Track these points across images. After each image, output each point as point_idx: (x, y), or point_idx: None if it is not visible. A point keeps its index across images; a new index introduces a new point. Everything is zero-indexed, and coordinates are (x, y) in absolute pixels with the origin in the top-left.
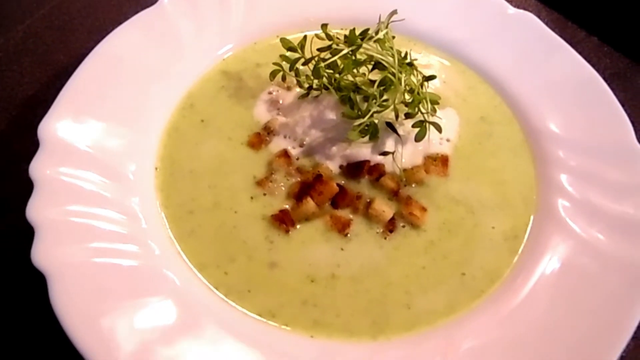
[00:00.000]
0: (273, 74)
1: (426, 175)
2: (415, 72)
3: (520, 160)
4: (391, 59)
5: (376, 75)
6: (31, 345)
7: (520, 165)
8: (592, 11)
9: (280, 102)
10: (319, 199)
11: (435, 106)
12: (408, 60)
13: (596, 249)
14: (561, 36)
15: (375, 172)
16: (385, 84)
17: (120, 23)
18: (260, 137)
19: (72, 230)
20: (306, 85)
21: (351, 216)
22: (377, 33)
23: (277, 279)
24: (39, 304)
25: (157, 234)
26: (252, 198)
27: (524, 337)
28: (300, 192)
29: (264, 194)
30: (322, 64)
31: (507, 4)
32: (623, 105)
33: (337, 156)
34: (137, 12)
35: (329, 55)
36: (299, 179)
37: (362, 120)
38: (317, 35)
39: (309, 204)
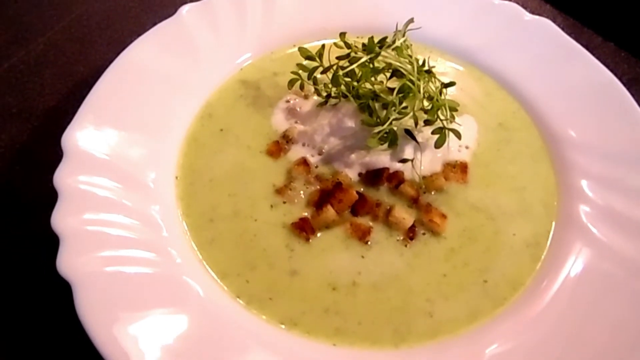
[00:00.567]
0: (291, 83)
1: (445, 183)
2: (433, 79)
3: (540, 167)
4: (409, 66)
5: (394, 83)
6: (55, 352)
7: (540, 172)
8: (608, 17)
9: (298, 110)
10: (338, 206)
11: (454, 113)
12: (426, 68)
13: (618, 254)
14: (577, 42)
15: (395, 180)
16: (404, 92)
17: (138, 34)
18: (279, 146)
19: (95, 238)
20: (324, 94)
21: (371, 224)
22: (394, 41)
23: (298, 287)
24: (61, 309)
25: (178, 243)
26: (271, 206)
27: (547, 345)
28: (320, 200)
29: (284, 202)
30: (341, 72)
31: (524, 11)
32: None
33: (356, 164)
34: (154, 23)
35: (348, 64)
36: (318, 187)
37: (381, 128)
38: (335, 44)
39: (329, 211)
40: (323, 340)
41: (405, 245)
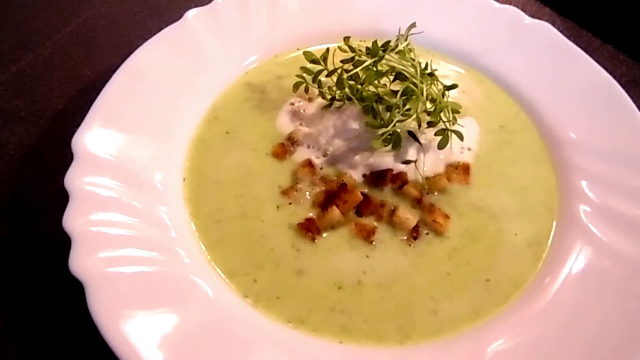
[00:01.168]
0: (296, 86)
1: (448, 183)
2: (436, 82)
3: (540, 167)
4: (412, 69)
5: (397, 86)
6: (67, 351)
7: (541, 172)
8: (606, 19)
9: (303, 112)
10: (343, 207)
11: (456, 115)
12: (429, 71)
13: (618, 253)
14: (576, 45)
15: (398, 181)
16: (407, 94)
17: (144, 38)
18: (284, 148)
19: (107, 239)
20: (329, 96)
21: (375, 224)
22: (397, 45)
23: (304, 286)
24: (72, 309)
25: (187, 243)
26: (278, 207)
27: (549, 342)
28: (325, 201)
29: (290, 203)
30: (345, 75)
31: (524, 14)
32: None
33: (360, 165)
34: (160, 27)
35: (352, 67)
36: (323, 188)
37: (385, 130)
38: (339, 48)
39: (334, 212)
40: (329, 338)
41: (409, 245)
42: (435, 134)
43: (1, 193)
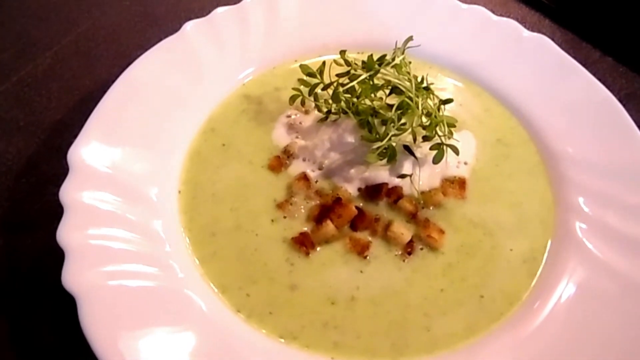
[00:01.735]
0: (293, 99)
1: (444, 198)
2: (432, 96)
3: (537, 182)
4: (408, 83)
5: (393, 100)
6: None
7: (537, 187)
8: (606, 31)
9: (299, 125)
10: (338, 221)
11: (452, 129)
12: (425, 85)
13: (614, 271)
14: (576, 57)
15: (394, 195)
16: (403, 108)
17: (143, 49)
18: (280, 161)
19: (100, 253)
20: (325, 109)
21: (370, 238)
22: (394, 59)
23: (298, 301)
24: (66, 322)
25: (181, 256)
26: (272, 221)
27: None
28: (320, 215)
29: (284, 217)
30: (341, 89)
31: (522, 28)
32: (639, 126)
33: (356, 179)
34: (159, 38)
35: (348, 81)
36: (318, 202)
37: (380, 144)
38: (335, 61)
39: (329, 226)
40: (322, 354)
41: (404, 260)
42: (431, 149)
43: (3, 200)
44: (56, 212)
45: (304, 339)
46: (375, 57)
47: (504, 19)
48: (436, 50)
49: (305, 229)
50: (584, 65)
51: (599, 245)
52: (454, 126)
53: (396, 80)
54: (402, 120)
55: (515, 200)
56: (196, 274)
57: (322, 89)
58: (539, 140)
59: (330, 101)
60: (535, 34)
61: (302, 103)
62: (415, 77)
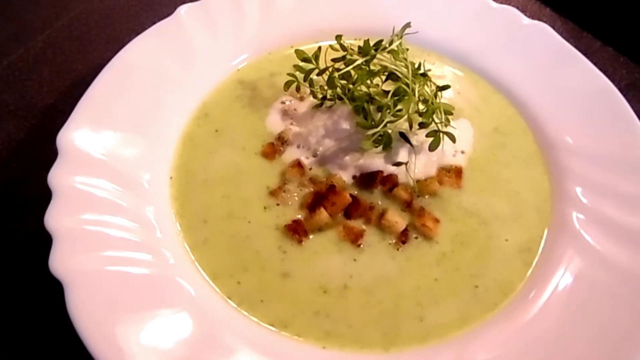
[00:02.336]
0: (287, 85)
1: (439, 187)
2: (429, 82)
3: (534, 172)
4: (405, 69)
5: (390, 86)
6: (46, 350)
7: (534, 177)
8: (607, 21)
9: (294, 111)
10: (332, 209)
11: (449, 117)
12: (422, 71)
13: (611, 261)
14: (576, 46)
15: (389, 183)
16: (399, 94)
17: (137, 33)
18: (274, 147)
19: (89, 238)
20: (320, 96)
21: (364, 227)
22: (390, 44)
23: (289, 289)
24: (53, 307)
25: (172, 243)
26: (265, 208)
27: (537, 350)
28: (314, 203)
29: (277, 204)
30: (336, 74)
31: (522, 15)
32: (639, 116)
33: (351, 166)
34: (153, 22)
35: (343, 66)
36: (312, 189)
37: (375, 130)
38: (331, 46)
39: (322, 214)
40: (313, 343)
41: (398, 249)
42: (427, 136)
43: None
44: (46, 197)
45: (295, 328)
46: (372, 43)
47: (504, 6)
48: (435, 37)
49: (299, 216)
50: (584, 54)
51: (595, 235)
52: (451, 114)
53: (392, 66)
54: (398, 107)
55: (512, 189)
56: (187, 260)
57: (317, 75)
58: (536, 129)
59: (325, 87)
60: (535, 22)
61: (297, 89)
62: (413, 64)
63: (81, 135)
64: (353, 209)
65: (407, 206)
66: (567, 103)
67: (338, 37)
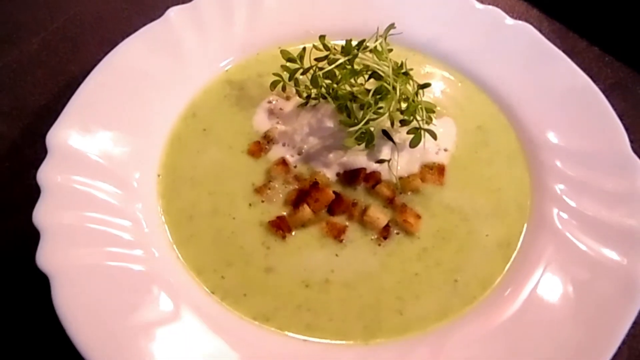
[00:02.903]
0: (274, 84)
1: (422, 184)
2: (410, 81)
3: (515, 169)
4: (387, 68)
5: (373, 85)
6: (33, 345)
7: (516, 174)
8: (593, 21)
9: (280, 110)
10: (315, 205)
11: (433, 116)
12: (404, 70)
13: (589, 257)
14: (562, 46)
15: (372, 180)
16: (382, 93)
17: (129, 35)
18: (260, 146)
19: (76, 234)
20: (305, 95)
21: (347, 223)
22: (374, 44)
23: (272, 284)
24: (41, 304)
25: (158, 239)
26: (250, 205)
27: (516, 344)
28: (297, 199)
29: (262, 201)
30: (320, 73)
31: (505, 15)
32: (623, 115)
33: (334, 164)
34: (146, 24)
35: (327, 65)
36: (296, 187)
37: (357, 127)
38: (314, 46)
39: (305, 210)
40: (294, 336)
41: (379, 245)
42: (408, 132)
43: None
44: (37, 195)
45: (276, 321)
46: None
47: (487, 6)
48: (419, 37)
49: (284, 213)
50: (570, 54)
51: (574, 231)
52: (433, 112)
53: (375, 65)
54: (380, 105)
55: (493, 186)
56: (172, 256)
57: (302, 74)
58: (519, 127)
59: (310, 86)
60: (517, 22)
61: (283, 89)
62: (396, 63)
63: (70, 134)
64: (336, 206)
65: (390, 202)
66: (548, 101)
67: (322, 37)
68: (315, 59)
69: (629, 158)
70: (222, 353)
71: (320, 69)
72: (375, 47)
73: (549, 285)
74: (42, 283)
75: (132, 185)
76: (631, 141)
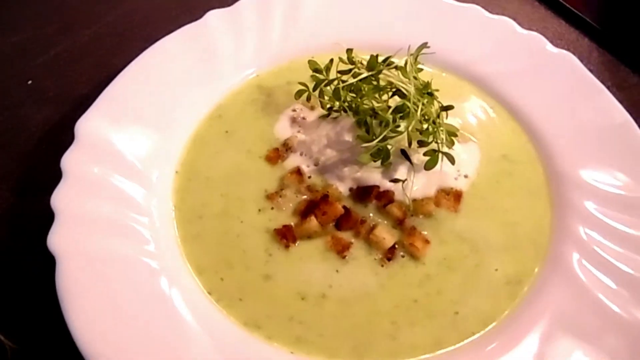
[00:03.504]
0: (299, 94)
1: (435, 208)
2: (435, 102)
3: (537, 204)
4: (411, 87)
5: (397, 103)
6: (38, 327)
7: (537, 209)
8: None
9: (303, 119)
10: (322, 218)
11: (456, 140)
12: (429, 90)
13: (602, 306)
14: (610, 80)
15: (384, 199)
16: (403, 111)
17: None
18: (278, 153)
19: (88, 219)
20: (327, 106)
21: (353, 240)
22: (405, 61)
23: (269, 292)
24: (47, 285)
25: (165, 234)
26: (259, 210)
27: None
28: (306, 210)
29: (272, 208)
30: (342, 86)
31: (547, 42)
32: None
33: (348, 178)
34: None
35: (351, 79)
36: (308, 197)
37: (373, 144)
38: (340, 59)
39: (312, 222)
40: (282, 347)
41: (382, 265)
42: (425, 154)
43: (18, 166)
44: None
45: (267, 330)
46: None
47: (530, 32)
48: (455, 58)
49: (292, 223)
50: (618, 89)
51: (592, 278)
52: (456, 135)
53: (398, 83)
54: (398, 123)
55: (510, 219)
56: (176, 252)
57: (325, 85)
58: (547, 160)
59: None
60: (561, 50)
61: (308, 99)
62: (422, 82)
63: (99, 124)
64: (344, 221)
65: (399, 224)
66: (583, 136)
67: (349, 51)
68: (339, 72)
69: None
70: (205, 354)
71: (343, 81)
72: (401, 64)
73: (554, 330)
74: (48, 263)
75: (150, 180)
76: None
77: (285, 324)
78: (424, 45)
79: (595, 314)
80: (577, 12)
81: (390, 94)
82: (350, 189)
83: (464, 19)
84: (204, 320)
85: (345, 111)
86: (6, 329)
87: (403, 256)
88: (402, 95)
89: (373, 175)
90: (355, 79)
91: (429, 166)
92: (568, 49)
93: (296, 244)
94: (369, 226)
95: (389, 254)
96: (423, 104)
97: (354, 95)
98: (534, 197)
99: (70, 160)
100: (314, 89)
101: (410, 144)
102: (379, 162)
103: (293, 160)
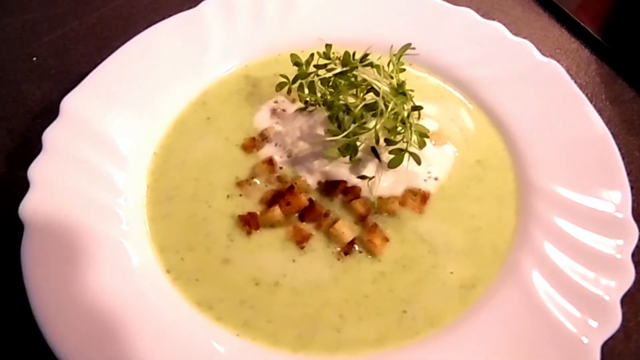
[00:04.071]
0: (280, 86)
1: (400, 208)
2: (409, 102)
3: (503, 212)
4: (384, 85)
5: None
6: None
7: (502, 217)
8: None
9: (283, 111)
10: (286, 209)
11: (431, 142)
12: (402, 90)
13: (553, 320)
14: (605, 93)
15: (350, 194)
16: (375, 109)
17: None
18: (254, 142)
19: (62, 193)
20: (304, 100)
21: (313, 232)
22: (389, 60)
23: (225, 275)
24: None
25: (135, 212)
26: (228, 196)
27: None
28: (272, 200)
29: (240, 195)
30: (317, 79)
31: (535, 49)
32: None
33: (317, 171)
34: None
35: (325, 73)
36: (276, 187)
37: (340, 137)
38: (318, 53)
39: (275, 211)
40: (228, 329)
41: (338, 259)
42: (390, 152)
43: (17, 135)
44: None
45: (217, 311)
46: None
47: (519, 39)
48: (441, 60)
49: (257, 211)
50: (612, 103)
51: (547, 290)
52: (427, 136)
53: (372, 80)
54: (364, 120)
55: (474, 225)
56: (143, 230)
57: (302, 79)
58: (520, 169)
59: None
60: (548, 60)
61: (289, 91)
62: (400, 81)
63: (83, 102)
64: (307, 213)
65: (361, 220)
66: (558, 149)
67: (328, 47)
68: (315, 66)
69: (626, 226)
70: (154, 330)
71: (317, 75)
72: (377, 63)
73: (501, 338)
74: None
75: (127, 159)
76: None
77: (236, 308)
78: (408, 45)
79: (543, 327)
80: (580, 22)
81: (365, 91)
82: (319, 182)
83: (455, 21)
84: (157, 296)
85: (320, 105)
86: None
87: (360, 252)
88: (376, 93)
89: (341, 170)
90: (330, 74)
91: (392, 164)
92: (566, 59)
93: (258, 232)
94: (332, 220)
95: (347, 249)
96: (395, 103)
97: (331, 90)
98: (502, 204)
99: (51, 135)
100: (293, 82)
101: (377, 141)
102: (347, 158)
103: (267, 150)
